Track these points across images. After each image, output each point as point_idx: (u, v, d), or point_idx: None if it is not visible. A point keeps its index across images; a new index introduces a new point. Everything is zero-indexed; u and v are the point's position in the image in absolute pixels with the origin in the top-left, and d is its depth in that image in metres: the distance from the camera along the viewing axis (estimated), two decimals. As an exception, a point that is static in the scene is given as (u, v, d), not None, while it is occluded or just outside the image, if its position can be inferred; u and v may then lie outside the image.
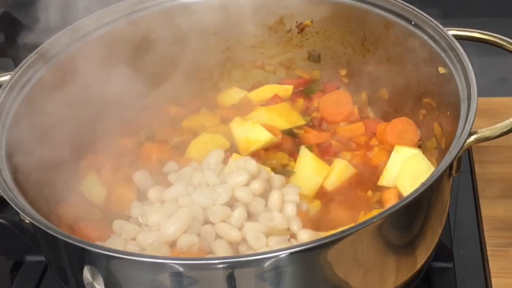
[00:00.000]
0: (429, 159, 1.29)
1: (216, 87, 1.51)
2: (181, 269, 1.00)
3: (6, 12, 1.83)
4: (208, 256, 1.15)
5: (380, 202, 1.27)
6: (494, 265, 1.26)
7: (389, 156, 1.32)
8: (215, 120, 1.45)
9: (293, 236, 1.19)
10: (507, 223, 1.33)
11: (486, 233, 1.32)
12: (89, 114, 1.35)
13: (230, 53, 1.50)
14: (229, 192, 1.19)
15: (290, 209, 1.22)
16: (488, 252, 1.28)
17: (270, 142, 1.36)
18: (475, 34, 1.29)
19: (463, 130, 1.10)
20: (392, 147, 1.33)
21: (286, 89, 1.50)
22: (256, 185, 1.20)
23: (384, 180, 1.30)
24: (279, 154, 1.36)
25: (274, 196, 1.22)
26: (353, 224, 1.02)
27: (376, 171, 1.32)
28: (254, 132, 1.36)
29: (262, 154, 1.35)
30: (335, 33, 1.45)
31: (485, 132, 1.14)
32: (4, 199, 1.08)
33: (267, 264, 0.99)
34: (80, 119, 1.34)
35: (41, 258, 1.32)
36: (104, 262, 1.02)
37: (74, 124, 1.34)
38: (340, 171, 1.33)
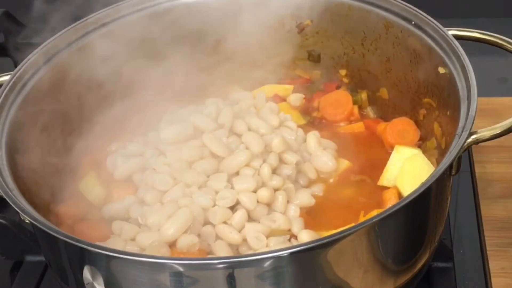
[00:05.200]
0: (429, 159, 1.29)
1: (216, 87, 1.51)
2: (181, 269, 1.00)
3: (6, 12, 1.83)
4: (208, 256, 1.15)
5: (380, 202, 1.27)
6: (494, 265, 1.26)
7: (389, 156, 1.32)
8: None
9: (293, 236, 1.20)
10: (507, 223, 1.33)
11: (486, 233, 1.32)
12: (89, 113, 1.36)
13: (230, 53, 1.49)
14: (234, 197, 1.19)
15: (293, 210, 1.22)
16: (488, 252, 1.28)
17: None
18: (475, 34, 1.29)
19: (463, 130, 1.10)
20: (392, 147, 1.34)
21: (286, 89, 1.50)
22: (263, 193, 1.21)
23: (384, 180, 1.30)
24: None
25: (279, 199, 1.22)
26: (353, 224, 1.02)
27: (376, 171, 1.32)
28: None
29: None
30: (335, 33, 1.45)
31: (485, 132, 1.14)
32: (4, 199, 1.08)
33: (267, 264, 0.99)
34: (80, 119, 1.35)
35: (41, 258, 1.32)
36: (104, 262, 1.02)
37: (74, 124, 1.34)
38: (342, 171, 1.33)
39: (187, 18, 1.43)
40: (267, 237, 1.17)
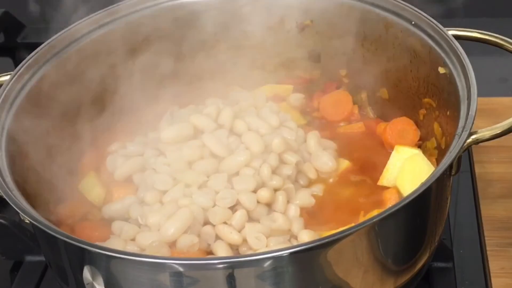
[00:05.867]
0: (429, 159, 1.29)
1: (216, 87, 1.51)
2: (181, 269, 1.00)
3: (6, 12, 1.83)
4: (208, 256, 1.15)
5: (380, 202, 1.27)
6: (494, 265, 1.26)
7: (389, 156, 1.32)
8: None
9: (293, 236, 1.20)
10: (507, 223, 1.33)
11: (486, 233, 1.32)
12: (89, 114, 1.36)
13: (230, 53, 1.49)
14: (234, 197, 1.19)
15: (293, 210, 1.22)
16: (488, 252, 1.28)
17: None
18: (475, 34, 1.29)
19: (463, 130, 1.10)
20: (392, 147, 1.34)
21: (286, 89, 1.50)
22: (263, 193, 1.21)
23: (384, 180, 1.30)
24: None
25: (280, 199, 1.22)
26: (353, 224, 1.02)
27: (376, 171, 1.32)
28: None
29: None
30: (335, 33, 1.44)
31: (485, 132, 1.13)
32: (4, 199, 1.08)
33: (267, 264, 0.99)
34: (80, 118, 1.35)
35: (41, 258, 1.32)
36: (104, 262, 1.02)
37: (73, 124, 1.34)
38: (342, 171, 1.33)
39: (187, 18, 1.43)
40: (267, 237, 1.17)
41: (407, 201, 1.03)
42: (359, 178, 1.33)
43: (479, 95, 1.14)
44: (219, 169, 1.25)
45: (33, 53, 1.30)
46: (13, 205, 1.07)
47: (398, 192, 1.27)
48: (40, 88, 1.28)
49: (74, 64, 1.34)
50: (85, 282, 1.05)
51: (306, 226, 1.21)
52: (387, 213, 1.01)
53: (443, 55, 1.25)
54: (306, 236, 1.18)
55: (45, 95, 1.28)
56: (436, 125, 1.30)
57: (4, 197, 1.09)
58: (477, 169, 1.44)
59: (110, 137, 1.38)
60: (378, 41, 1.40)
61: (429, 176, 1.06)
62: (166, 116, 1.39)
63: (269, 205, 1.22)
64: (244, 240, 1.17)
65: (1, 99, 1.22)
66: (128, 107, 1.39)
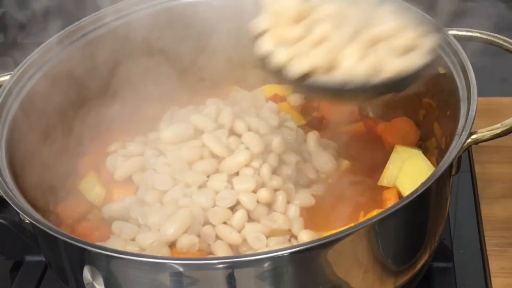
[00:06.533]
0: (429, 159, 1.29)
1: (216, 87, 1.51)
2: (181, 269, 1.00)
3: (6, 12, 1.83)
4: (208, 256, 1.15)
5: (380, 202, 1.27)
6: (494, 265, 1.26)
7: (389, 156, 1.32)
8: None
9: (293, 236, 1.20)
10: (507, 223, 1.33)
11: (486, 233, 1.32)
12: (89, 113, 1.36)
13: (230, 53, 1.49)
14: (234, 198, 1.19)
15: (293, 210, 1.22)
16: (488, 252, 1.28)
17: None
18: (475, 34, 1.29)
19: (463, 130, 1.10)
20: (392, 147, 1.33)
21: (286, 89, 1.50)
22: (263, 193, 1.21)
23: (384, 180, 1.30)
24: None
25: (280, 199, 1.22)
26: (353, 224, 1.02)
27: (376, 171, 1.32)
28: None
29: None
30: (335, 33, 1.44)
31: (485, 132, 1.14)
32: (4, 199, 1.08)
33: (267, 264, 0.99)
34: (80, 118, 1.35)
35: (41, 258, 1.32)
36: (104, 262, 1.02)
37: (73, 124, 1.34)
38: (342, 171, 1.33)
39: (187, 18, 1.43)
40: (267, 237, 1.17)
41: (407, 201, 1.03)
42: (359, 178, 1.33)
43: (479, 95, 1.14)
44: (219, 169, 1.25)
45: (33, 53, 1.30)
46: (13, 205, 1.07)
47: (398, 192, 1.27)
48: (40, 88, 1.28)
49: (74, 64, 1.34)
50: (85, 282, 1.05)
51: (306, 226, 1.21)
52: (387, 213, 1.01)
53: (443, 55, 1.25)
54: (306, 236, 1.18)
55: (45, 95, 1.28)
56: (436, 125, 1.30)
57: (4, 197, 1.09)
58: (477, 169, 1.44)
59: (110, 137, 1.38)
60: (378, 41, 1.39)
61: (429, 176, 1.06)
62: (166, 116, 1.39)
63: (269, 205, 1.22)
64: (244, 240, 1.17)
65: (1, 99, 1.22)
66: (128, 106, 1.39)
